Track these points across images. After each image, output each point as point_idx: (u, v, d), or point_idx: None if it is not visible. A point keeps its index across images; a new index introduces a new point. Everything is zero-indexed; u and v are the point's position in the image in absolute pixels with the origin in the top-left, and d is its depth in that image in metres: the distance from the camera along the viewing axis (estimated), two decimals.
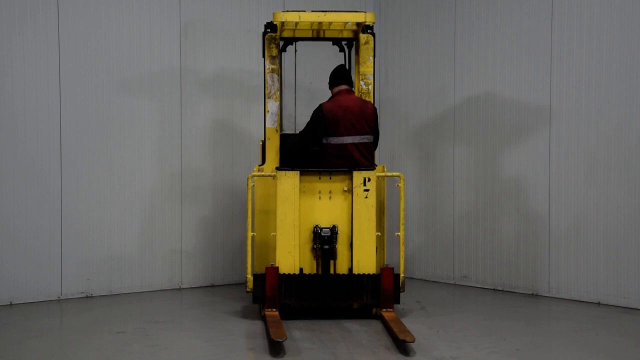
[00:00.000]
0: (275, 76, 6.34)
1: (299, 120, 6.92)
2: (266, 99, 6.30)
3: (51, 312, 6.28)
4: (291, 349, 5.05)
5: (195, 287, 7.33)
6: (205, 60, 7.35)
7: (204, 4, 7.28)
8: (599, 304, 6.50)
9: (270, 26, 6.18)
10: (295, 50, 6.83)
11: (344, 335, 5.42)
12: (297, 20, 5.98)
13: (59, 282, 6.71)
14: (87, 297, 6.82)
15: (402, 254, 6.05)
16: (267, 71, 6.28)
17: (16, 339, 5.37)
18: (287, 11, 6.09)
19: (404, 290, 5.98)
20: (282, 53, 6.61)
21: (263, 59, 6.31)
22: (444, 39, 7.62)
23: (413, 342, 5.08)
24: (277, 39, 6.21)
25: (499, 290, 7.23)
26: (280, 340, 5.05)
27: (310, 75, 7.45)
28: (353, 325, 5.71)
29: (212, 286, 7.41)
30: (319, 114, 6.13)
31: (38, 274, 6.57)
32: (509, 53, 7.08)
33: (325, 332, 5.50)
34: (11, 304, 6.42)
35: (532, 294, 6.97)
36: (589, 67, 6.53)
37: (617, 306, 6.38)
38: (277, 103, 6.34)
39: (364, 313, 6.08)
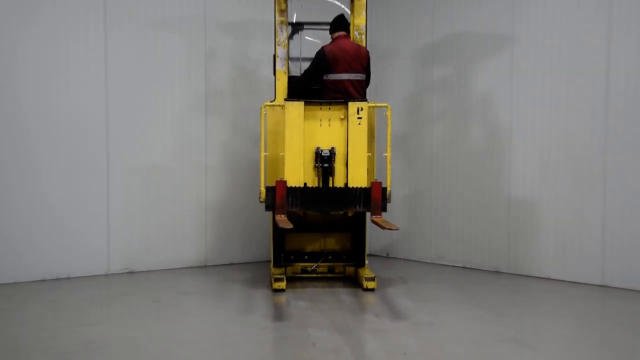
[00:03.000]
0: (284, 27, 6.75)
1: (304, 65, 7.31)
2: (276, 46, 6.75)
3: (100, 284, 6.68)
4: (296, 315, 5.42)
5: (218, 265, 7.78)
6: (225, 7, 7.82)
7: None
8: (548, 279, 6.94)
9: None
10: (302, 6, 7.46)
11: (340, 305, 5.78)
12: None
13: (106, 260, 7.17)
14: (129, 272, 7.28)
15: (388, 171, 6.38)
16: (277, 23, 6.75)
17: (72, 305, 5.76)
18: None
19: (390, 201, 6.31)
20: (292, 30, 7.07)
21: (274, 13, 6.80)
22: None
23: (398, 230, 5.78)
24: None
25: (468, 268, 7.68)
26: (287, 227, 5.66)
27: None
28: (347, 297, 6.06)
29: (232, 264, 7.89)
30: (321, 54, 6.58)
31: (89, 252, 7.00)
32: None
33: (324, 303, 5.85)
34: (68, 278, 6.92)
35: (495, 271, 7.42)
36: None
37: (563, 280, 6.81)
38: (285, 50, 6.76)
39: (356, 285, 6.55)
